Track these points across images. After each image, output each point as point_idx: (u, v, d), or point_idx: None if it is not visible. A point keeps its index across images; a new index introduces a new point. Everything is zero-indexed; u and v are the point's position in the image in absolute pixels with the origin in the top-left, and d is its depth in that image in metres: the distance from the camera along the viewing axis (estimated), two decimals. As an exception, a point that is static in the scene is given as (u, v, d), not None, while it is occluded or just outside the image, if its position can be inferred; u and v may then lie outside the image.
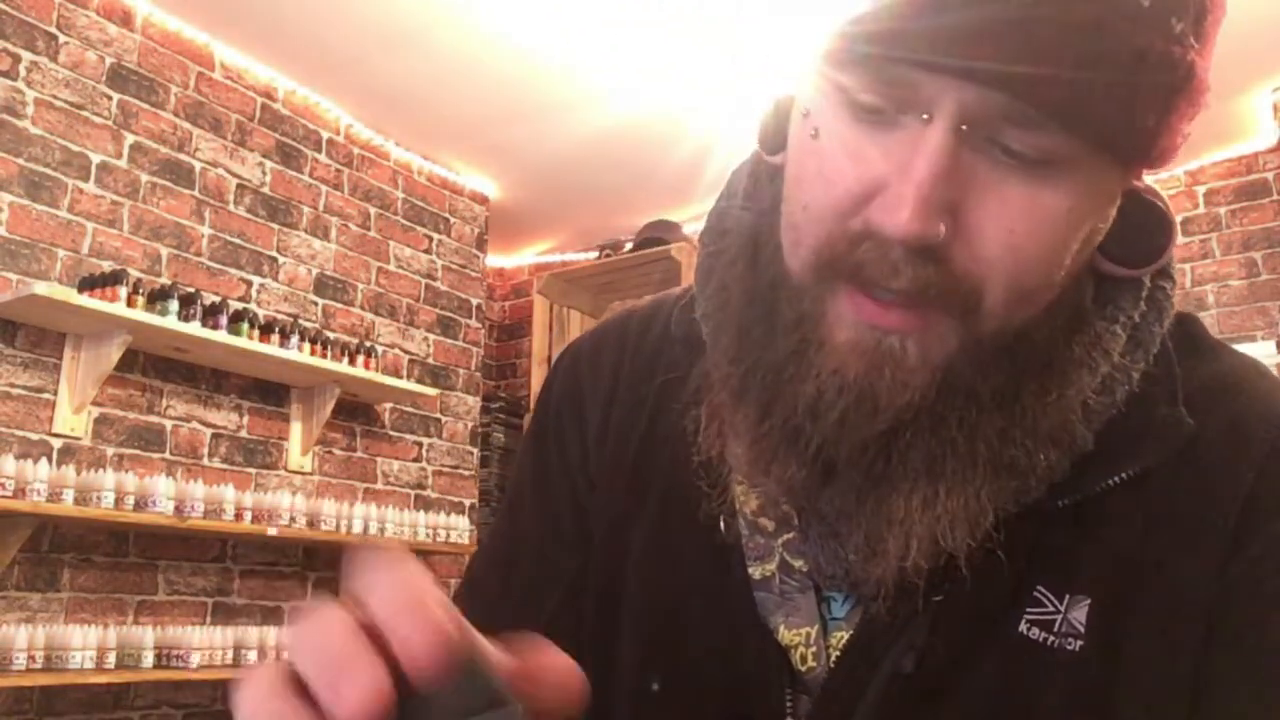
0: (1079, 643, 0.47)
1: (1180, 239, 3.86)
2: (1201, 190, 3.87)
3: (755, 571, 0.53)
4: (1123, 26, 0.41)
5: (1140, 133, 0.43)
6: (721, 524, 0.53)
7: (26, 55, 2.77)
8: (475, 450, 4.11)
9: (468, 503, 4.01)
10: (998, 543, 0.47)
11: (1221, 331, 3.73)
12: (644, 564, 0.57)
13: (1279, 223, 3.70)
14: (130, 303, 2.69)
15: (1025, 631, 0.48)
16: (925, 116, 0.43)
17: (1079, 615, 0.48)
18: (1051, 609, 0.48)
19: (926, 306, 0.45)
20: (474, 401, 4.13)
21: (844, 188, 0.45)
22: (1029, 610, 0.48)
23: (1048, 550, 0.49)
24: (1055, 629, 0.48)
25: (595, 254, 4.45)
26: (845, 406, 0.46)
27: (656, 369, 0.58)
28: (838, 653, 0.51)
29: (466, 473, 4.04)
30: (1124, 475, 0.49)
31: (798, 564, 0.52)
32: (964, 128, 0.43)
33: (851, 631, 0.51)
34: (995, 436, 0.46)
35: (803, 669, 0.51)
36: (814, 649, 0.51)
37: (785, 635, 0.52)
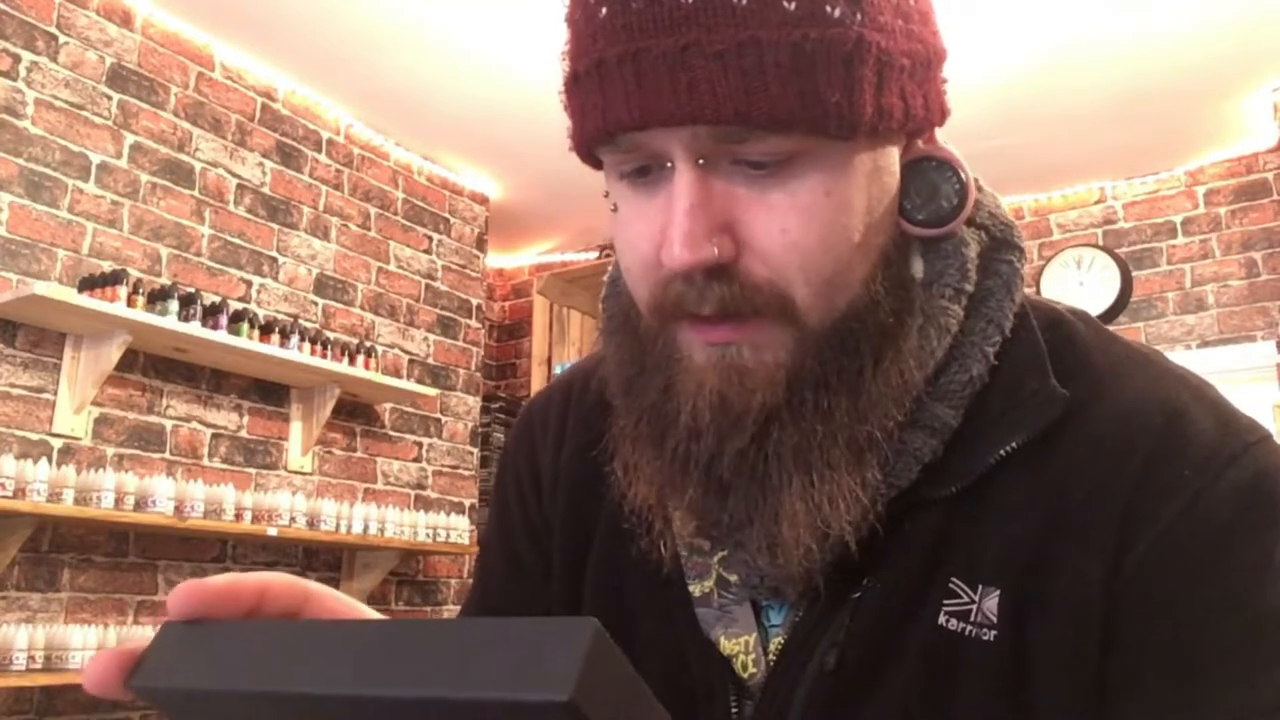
0: (993, 633, 0.49)
1: (1180, 239, 3.89)
2: (1201, 190, 3.87)
3: (695, 589, 0.56)
4: (775, 33, 0.45)
5: (837, 108, 0.46)
6: (662, 547, 0.56)
7: (26, 55, 2.77)
8: (475, 450, 4.11)
9: (468, 503, 4.01)
10: (906, 537, 0.51)
11: (1221, 331, 3.73)
12: (596, 595, 0.61)
13: (1279, 223, 3.70)
14: (130, 303, 2.69)
15: (944, 623, 0.50)
16: (669, 165, 0.49)
17: (991, 605, 0.50)
18: (966, 600, 0.50)
19: (748, 315, 0.49)
20: (474, 401, 4.13)
21: (642, 247, 0.51)
22: (946, 602, 0.50)
23: (955, 542, 0.51)
24: (971, 619, 0.50)
25: (595, 254, 4.45)
26: (715, 420, 0.50)
27: (597, 420, 0.61)
28: (773, 657, 0.54)
29: (466, 473, 4.04)
30: (1006, 450, 0.51)
31: (732, 578, 0.55)
32: (701, 162, 0.48)
33: (782, 640, 0.54)
34: (848, 416, 0.50)
35: (745, 676, 0.55)
36: (753, 656, 0.54)
37: (726, 645, 0.55)
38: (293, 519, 3.04)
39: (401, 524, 3.39)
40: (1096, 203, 4.06)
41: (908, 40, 0.51)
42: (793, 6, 0.46)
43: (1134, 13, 2.94)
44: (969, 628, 0.50)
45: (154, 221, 3.03)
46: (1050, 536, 0.50)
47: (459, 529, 3.60)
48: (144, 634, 2.64)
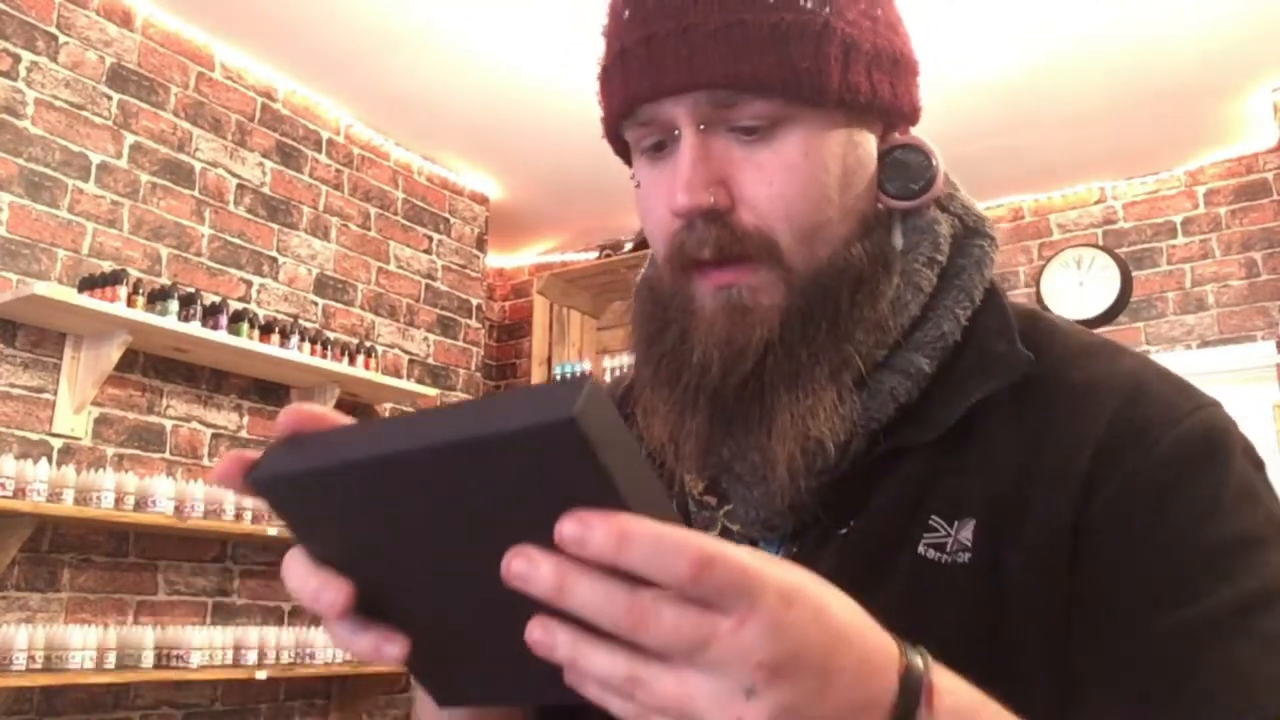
0: (968, 555, 0.56)
1: (1180, 239, 3.89)
2: (1201, 190, 3.87)
3: None
4: (757, 16, 0.57)
5: (808, 74, 0.58)
6: (674, 483, 0.64)
7: (26, 55, 2.77)
8: (475, 450, 4.10)
9: (468, 503, 4.01)
10: (890, 482, 0.59)
11: (1221, 331, 3.73)
12: None
13: (1279, 223, 3.70)
14: (130, 303, 2.69)
15: (924, 553, 0.57)
16: (676, 132, 0.60)
17: (966, 534, 0.57)
18: (943, 533, 0.57)
19: (744, 261, 0.59)
20: (474, 401, 4.13)
21: (658, 209, 0.61)
22: (926, 535, 0.58)
23: (937, 486, 0.58)
24: (948, 549, 0.57)
25: (595, 254, 4.45)
26: (721, 354, 0.59)
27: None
28: None
29: (466, 473, 4.04)
30: (975, 400, 0.59)
31: (735, 528, 0.63)
32: (702, 127, 0.59)
33: None
34: (829, 345, 0.59)
35: None
36: None
37: None
38: (293, 519, 3.03)
39: (401, 524, 3.39)
40: (1096, 203, 4.06)
41: (874, 35, 0.61)
42: (772, 2, 0.58)
43: (1134, 13, 2.94)
44: (945, 556, 0.57)
45: (154, 221, 3.03)
46: (1026, 479, 0.57)
47: (459, 529, 3.60)
48: (144, 634, 2.65)
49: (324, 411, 0.44)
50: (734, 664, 0.36)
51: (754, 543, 0.62)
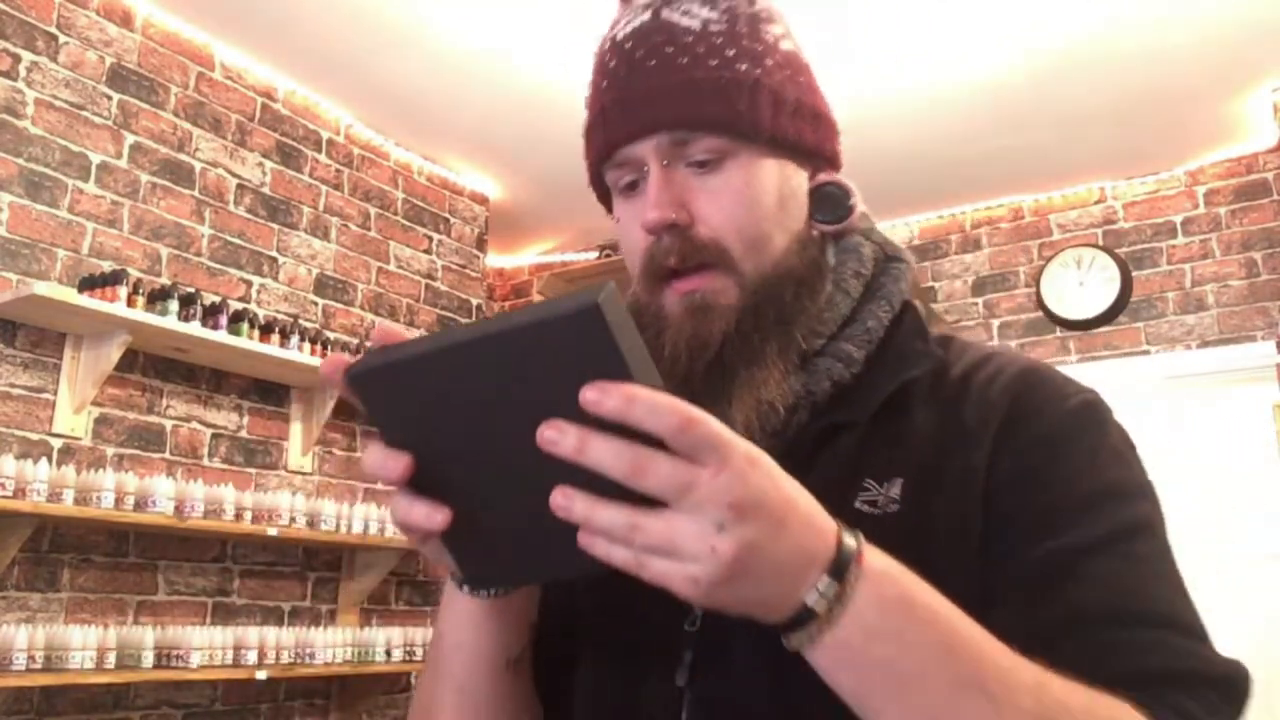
0: (898, 506, 0.69)
1: (1180, 239, 3.89)
2: (1201, 190, 3.87)
3: None
4: (704, 74, 0.73)
5: (744, 116, 0.73)
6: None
7: (26, 55, 2.77)
8: (475, 450, 4.10)
9: (468, 503, 4.01)
10: (830, 454, 0.72)
11: (1221, 331, 3.73)
12: None
13: (1279, 223, 3.70)
14: (130, 303, 2.69)
15: (860, 507, 0.69)
16: (646, 169, 0.75)
17: (895, 491, 0.69)
18: (875, 492, 0.70)
19: (703, 268, 0.73)
20: (474, 401, 4.13)
21: (634, 233, 0.76)
22: (862, 494, 0.70)
23: (870, 455, 0.71)
24: (879, 504, 0.69)
25: (595, 254, 4.45)
26: (689, 348, 0.72)
27: None
28: None
29: (466, 473, 4.04)
30: (896, 385, 0.73)
31: None
32: (665, 162, 0.74)
33: None
34: (779, 333, 0.73)
35: None
36: None
37: None
38: (293, 519, 3.03)
39: (401, 524, 3.38)
40: (1096, 203, 4.06)
41: (797, 93, 0.77)
42: (715, 63, 0.74)
43: (1134, 13, 2.94)
44: (878, 509, 0.69)
45: (154, 221, 3.03)
46: (943, 446, 0.71)
47: (459, 529, 3.60)
48: (144, 634, 2.65)
49: (404, 330, 0.57)
50: (709, 504, 0.48)
51: None
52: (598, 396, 0.46)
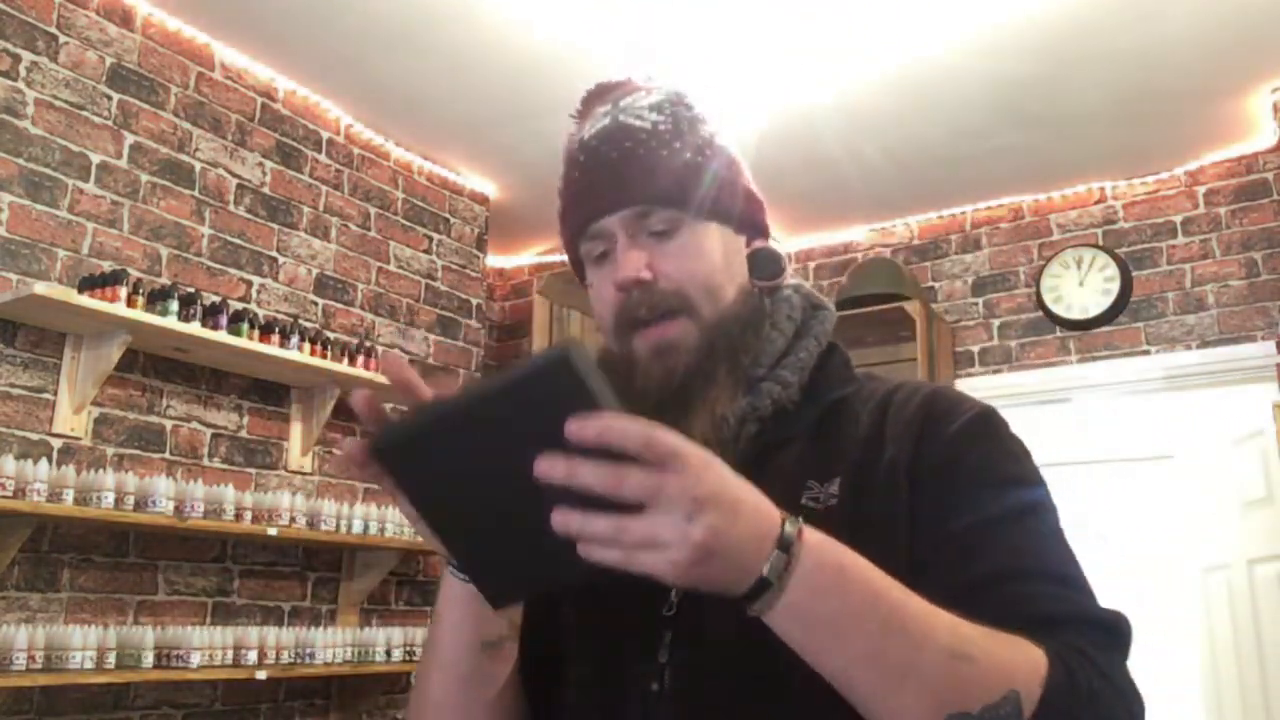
0: (836, 500, 0.83)
1: (1180, 239, 3.89)
2: (1201, 190, 3.87)
3: None
4: (664, 162, 0.90)
5: (693, 196, 0.90)
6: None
7: (26, 55, 2.77)
8: (475, 450, 4.10)
9: (468, 503, 4.00)
10: (777, 462, 0.86)
11: (1221, 331, 3.73)
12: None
13: (1279, 223, 3.70)
14: (130, 303, 2.69)
15: (805, 504, 0.83)
16: (614, 239, 0.90)
17: (833, 489, 0.84)
18: (817, 490, 0.84)
19: (668, 316, 0.88)
20: (474, 401, 4.13)
21: (605, 293, 0.91)
22: (805, 493, 0.84)
23: (810, 463, 0.86)
24: (820, 500, 0.83)
25: (595, 254, 4.45)
26: (657, 384, 0.86)
27: None
28: None
29: (466, 473, 4.03)
30: (830, 400, 0.90)
31: None
32: (630, 234, 0.89)
33: None
34: (730, 363, 0.88)
35: None
36: None
37: None
38: (293, 519, 3.03)
39: (401, 524, 3.39)
40: (1096, 203, 4.06)
41: (730, 175, 0.94)
42: (665, 153, 0.91)
43: (1134, 12, 2.94)
44: (820, 505, 0.83)
45: (154, 221, 3.03)
46: (873, 447, 0.85)
47: (459, 529, 3.60)
48: (144, 634, 2.65)
49: (409, 379, 0.69)
50: (677, 501, 0.59)
51: None
52: (578, 428, 0.58)
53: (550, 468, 0.59)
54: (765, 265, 0.96)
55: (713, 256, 0.90)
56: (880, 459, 0.84)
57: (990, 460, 0.83)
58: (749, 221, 0.96)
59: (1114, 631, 0.74)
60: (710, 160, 0.93)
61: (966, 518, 0.79)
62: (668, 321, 0.88)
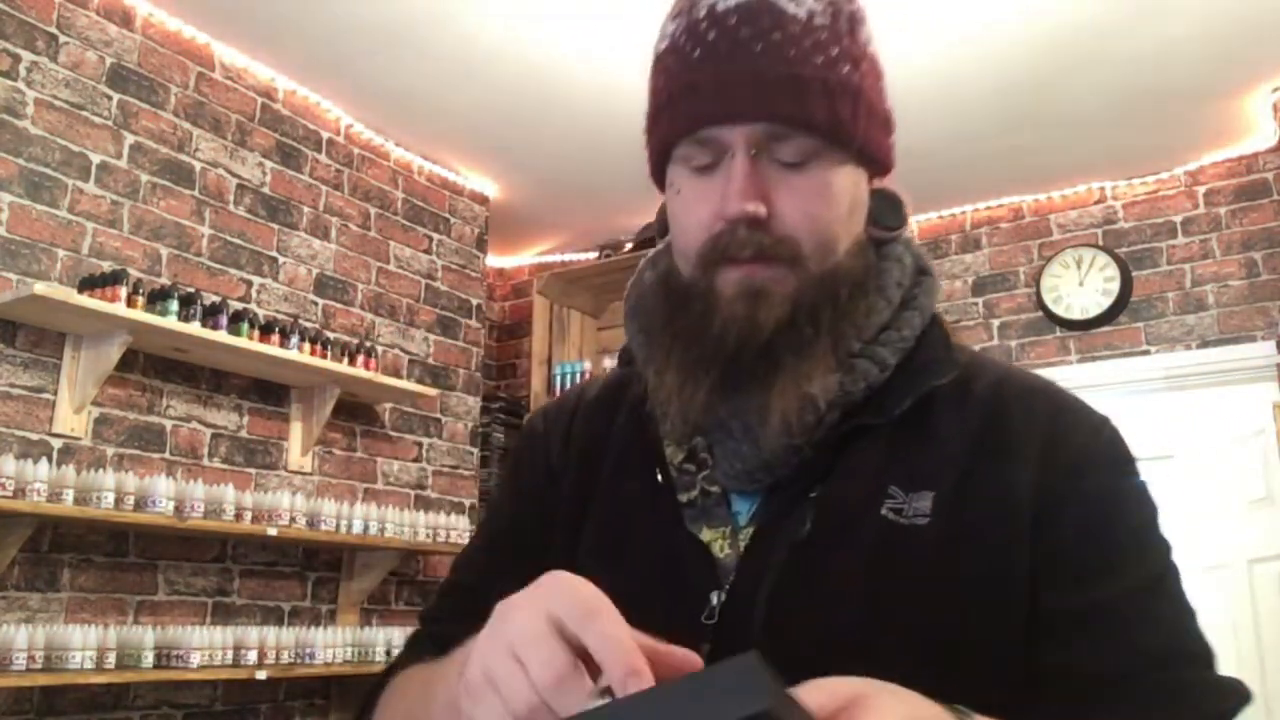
0: (926, 520, 0.70)
1: (1180, 239, 3.89)
2: (1201, 190, 3.87)
3: (683, 497, 0.78)
4: (812, 73, 0.71)
5: (844, 123, 0.72)
6: (657, 473, 0.79)
7: (26, 55, 2.77)
8: (475, 450, 4.11)
9: (468, 503, 4.01)
10: (855, 457, 0.73)
11: (1221, 332, 3.73)
12: (601, 509, 0.82)
13: (1279, 223, 3.69)
14: (130, 303, 2.69)
15: (886, 515, 0.71)
16: (731, 155, 0.72)
17: (924, 504, 0.71)
18: (901, 500, 0.71)
19: (770, 261, 0.72)
20: (474, 401, 4.13)
21: (700, 213, 0.74)
22: (887, 501, 0.71)
23: (894, 463, 0.73)
24: (905, 514, 0.71)
25: (595, 254, 4.45)
26: (738, 332, 0.72)
27: (598, 409, 0.87)
28: (746, 539, 0.74)
29: (466, 473, 4.04)
30: (926, 389, 0.74)
31: (713, 489, 0.77)
32: (753, 152, 0.71)
33: (754, 528, 0.75)
34: (829, 334, 0.73)
35: (721, 556, 0.75)
36: (728, 541, 0.75)
37: (706, 534, 0.76)
38: (293, 519, 3.03)
39: (401, 524, 3.39)
40: (1096, 203, 4.06)
41: (881, 102, 0.78)
42: (820, 60, 0.72)
43: (1134, 12, 2.94)
44: (904, 519, 0.70)
45: (154, 221, 3.03)
46: (976, 457, 0.72)
47: (459, 529, 3.60)
48: (144, 634, 2.65)
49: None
50: None
51: (727, 497, 0.77)
52: None
53: None
54: (887, 211, 0.80)
55: (840, 201, 0.74)
56: (990, 478, 0.72)
57: (1127, 501, 0.73)
58: (882, 156, 0.79)
59: (1242, 705, 0.68)
60: (867, 77, 0.75)
61: (1111, 582, 0.69)
62: (766, 265, 0.73)
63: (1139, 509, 0.73)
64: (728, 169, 0.72)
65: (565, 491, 0.84)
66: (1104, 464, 0.73)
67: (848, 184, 0.75)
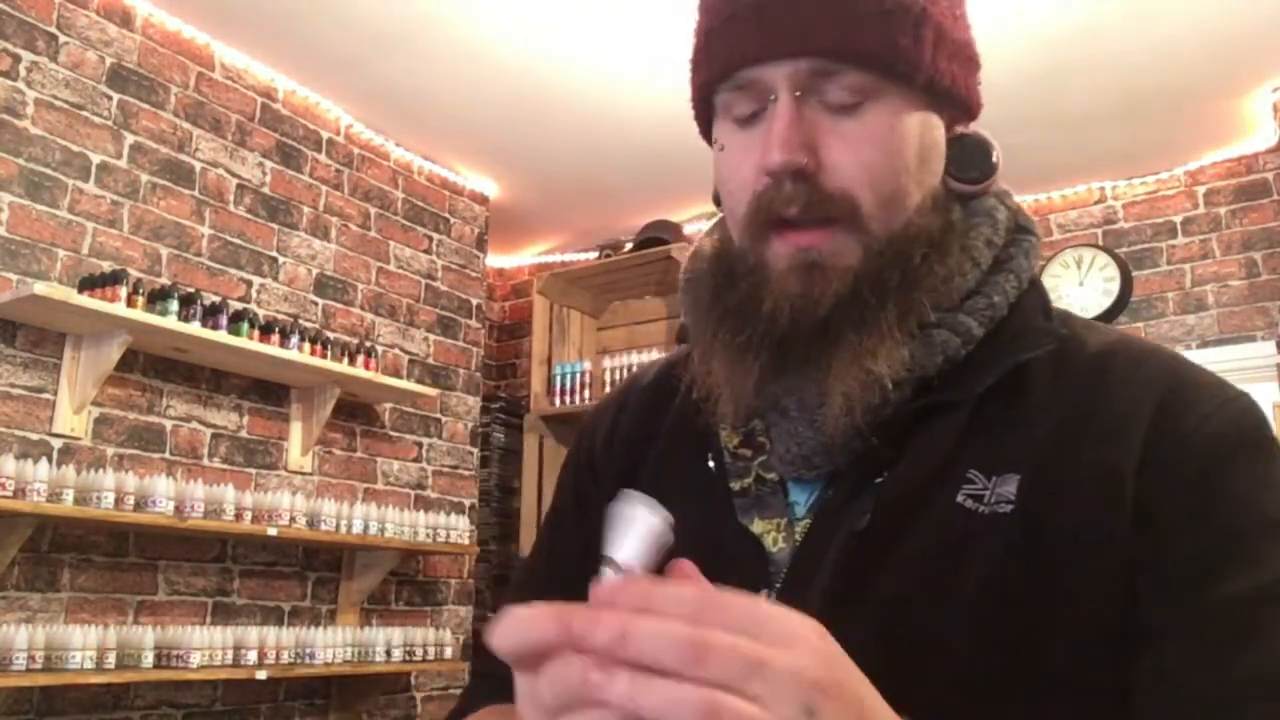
0: (1010, 506, 0.61)
1: (1180, 239, 3.88)
2: (1201, 190, 3.87)
3: (735, 485, 0.70)
4: None
5: (905, 51, 0.63)
6: (709, 459, 0.72)
7: (26, 55, 2.77)
8: (475, 450, 4.11)
9: (468, 503, 4.01)
10: (927, 436, 0.64)
11: (1221, 332, 3.73)
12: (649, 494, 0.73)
13: (1279, 223, 3.70)
14: (130, 303, 2.69)
15: (962, 503, 0.62)
16: (773, 97, 0.64)
17: (1008, 489, 0.61)
18: (981, 485, 0.62)
19: (825, 224, 0.63)
20: (474, 401, 4.13)
21: (744, 169, 0.66)
22: (965, 487, 0.62)
23: (974, 442, 0.63)
24: (985, 500, 0.61)
25: (595, 254, 4.45)
26: (792, 308, 0.63)
27: (649, 394, 0.81)
28: (803, 531, 0.67)
29: (466, 473, 4.04)
30: (1014, 363, 0.64)
31: (769, 476, 0.69)
32: (798, 94, 0.63)
33: (810, 519, 0.67)
34: (896, 305, 0.63)
35: (774, 550, 0.67)
36: (783, 534, 0.67)
37: (758, 525, 0.68)
38: (293, 519, 3.03)
39: (401, 524, 3.39)
40: (1096, 203, 4.06)
41: (956, 29, 0.67)
42: None
43: (1134, 13, 2.94)
44: (984, 507, 0.61)
45: (154, 221, 3.03)
46: (1075, 436, 0.62)
47: (459, 529, 3.60)
48: (144, 634, 2.65)
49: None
50: (789, 683, 0.38)
51: (784, 486, 0.69)
52: (608, 593, 0.40)
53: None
54: (970, 159, 0.70)
55: (906, 149, 0.65)
56: (1083, 453, 0.61)
57: (1254, 490, 0.60)
58: (963, 95, 0.69)
59: None
60: (931, 4, 0.65)
61: (1229, 583, 0.57)
62: (822, 229, 0.64)
63: (1269, 500, 0.60)
64: (769, 123, 0.64)
65: (606, 490, 0.78)
66: (1227, 446, 0.61)
67: (915, 127, 0.65)
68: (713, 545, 0.67)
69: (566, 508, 0.84)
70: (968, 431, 0.63)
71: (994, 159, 0.71)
